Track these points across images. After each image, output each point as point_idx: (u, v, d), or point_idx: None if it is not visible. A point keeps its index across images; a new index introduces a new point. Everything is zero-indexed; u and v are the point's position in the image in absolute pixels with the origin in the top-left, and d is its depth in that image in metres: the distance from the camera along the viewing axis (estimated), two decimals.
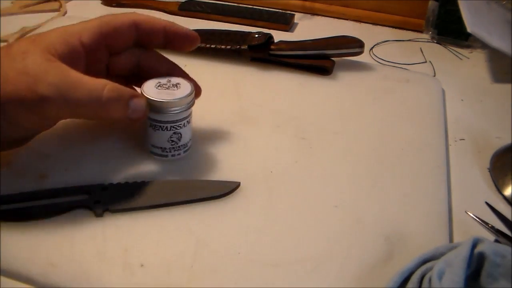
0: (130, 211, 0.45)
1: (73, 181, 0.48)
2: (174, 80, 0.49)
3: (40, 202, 0.45)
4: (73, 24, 0.46)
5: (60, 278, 0.39)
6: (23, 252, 0.41)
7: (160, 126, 0.48)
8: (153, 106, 0.46)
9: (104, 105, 0.43)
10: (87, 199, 0.45)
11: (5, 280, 0.40)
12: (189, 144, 0.52)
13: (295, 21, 0.86)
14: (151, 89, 0.47)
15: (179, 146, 0.50)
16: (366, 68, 0.70)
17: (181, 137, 0.50)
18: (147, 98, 0.46)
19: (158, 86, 0.48)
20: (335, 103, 0.62)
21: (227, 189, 0.47)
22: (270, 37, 0.69)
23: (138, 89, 0.48)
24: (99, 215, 0.44)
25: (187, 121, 0.49)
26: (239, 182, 0.48)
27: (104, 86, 0.43)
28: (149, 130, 0.49)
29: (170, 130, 0.48)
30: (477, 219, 0.44)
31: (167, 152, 0.50)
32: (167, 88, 0.47)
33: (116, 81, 0.44)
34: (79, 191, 0.46)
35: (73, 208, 0.45)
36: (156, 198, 0.46)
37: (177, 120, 0.48)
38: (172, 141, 0.49)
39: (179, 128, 0.48)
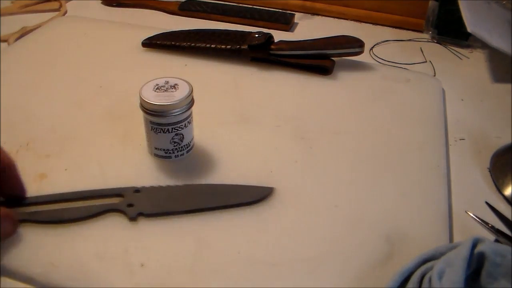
0: (162, 216, 0.44)
1: (73, 181, 0.48)
2: (172, 81, 0.49)
3: (73, 204, 0.44)
4: None
5: (61, 277, 0.39)
6: (23, 252, 0.41)
7: (162, 129, 0.48)
8: (153, 110, 0.46)
9: None
10: (120, 202, 0.45)
11: (5, 280, 0.40)
12: (191, 144, 0.52)
13: (295, 21, 0.86)
14: (149, 93, 0.47)
15: (181, 147, 0.50)
16: (366, 68, 0.70)
17: (183, 138, 0.50)
18: (147, 102, 0.46)
19: (156, 88, 0.47)
20: (335, 103, 0.62)
21: (261, 195, 0.47)
22: (270, 37, 0.69)
23: None
24: (132, 219, 0.44)
25: (188, 122, 0.49)
26: (273, 188, 0.48)
27: None
28: (151, 133, 0.49)
29: (172, 132, 0.48)
30: (477, 219, 0.44)
31: (170, 153, 0.50)
32: (165, 90, 0.47)
33: None
34: (111, 194, 0.46)
35: (107, 211, 0.44)
36: (190, 203, 0.45)
37: (178, 121, 0.48)
38: (175, 142, 0.49)
39: (180, 129, 0.48)
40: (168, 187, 0.47)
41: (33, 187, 0.47)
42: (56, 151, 0.52)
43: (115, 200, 0.45)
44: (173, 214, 0.45)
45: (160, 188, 0.47)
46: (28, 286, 0.40)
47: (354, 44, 0.68)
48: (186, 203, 0.45)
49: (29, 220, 0.43)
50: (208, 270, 0.40)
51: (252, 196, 0.46)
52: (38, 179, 0.48)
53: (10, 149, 0.52)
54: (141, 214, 0.44)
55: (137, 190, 0.46)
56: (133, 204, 0.45)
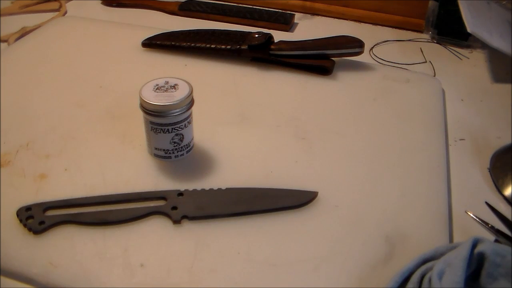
0: (206, 219, 0.45)
1: (73, 181, 0.48)
2: (172, 81, 0.49)
3: (117, 206, 0.45)
4: None
5: (61, 278, 0.39)
6: (23, 252, 0.41)
7: (162, 129, 0.48)
8: (153, 110, 0.46)
9: None
10: (164, 205, 0.45)
11: (5, 280, 0.40)
12: (191, 144, 0.52)
13: (295, 21, 0.86)
14: (149, 93, 0.47)
15: (181, 147, 0.50)
16: (366, 68, 0.70)
17: (183, 138, 0.50)
18: (147, 102, 0.46)
19: (156, 89, 0.47)
20: (335, 103, 0.62)
21: (306, 199, 0.47)
22: (270, 37, 0.69)
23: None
24: (176, 222, 0.44)
25: (188, 122, 0.49)
26: (317, 192, 0.48)
27: None
28: (151, 133, 0.49)
29: (171, 132, 0.48)
30: (477, 219, 0.44)
31: (170, 153, 0.50)
32: (165, 90, 0.47)
33: None
34: (154, 197, 0.46)
35: (150, 214, 0.44)
36: (233, 206, 0.46)
37: (178, 121, 0.48)
38: (175, 142, 0.49)
39: (180, 129, 0.48)
40: (211, 190, 0.47)
41: (33, 187, 0.47)
42: (56, 151, 0.52)
43: (159, 203, 0.45)
44: (216, 217, 0.45)
45: (203, 192, 0.47)
46: (28, 286, 0.40)
47: (354, 44, 0.68)
48: (229, 207, 0.45)
49: (73, 221, 0.43)
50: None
51: (296, 200, 0.46)
52: (38, 179, 0.48)
53: (10, 149, 0.52)
54: (185, 217, 0.44)
55: (180, 193, 0.46)
56: (177, 207, 0.45)
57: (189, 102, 0.48)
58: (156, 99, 0.46)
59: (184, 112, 0.47)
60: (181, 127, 0.48)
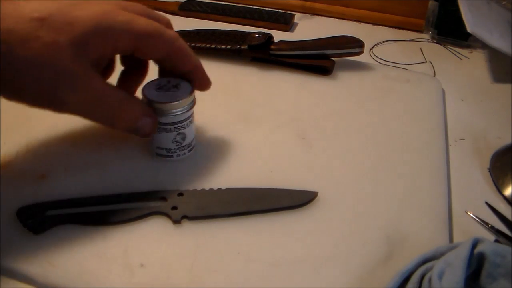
0: (206, 219, 0.44)
1: (73, 181, 0.48)
2: (174, 81, 0.49)
3: (117, 206, 0.44)
4: (108, 12, 0.41)
5: (60, 278, 0.39)
6: (23, 252, 0.41)
7: (164, 128, 0.48)
8: (155, 109, 0.47)
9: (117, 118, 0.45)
10: (164, 205, 0.45)
11: (5, 280, 0.40)
12: (193, 144, 0.52)
13: (295, 21, 0.86)
14: (151, 91, 0.47)
15: (183, 146, 0.50)
16: (366, 68, 0.70)
17: (185, 137, 0.50)
18: (149, 100, 0.46)
19: (158, 87, 0.48)
20: (335, 103, 0.62)
21: (305, 199, 0.47)
22: (270, 37, 0.69)
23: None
24: (176, 222, 0.44)
25: (190, 121, 0.49)
26: (317, 192, 0.47)
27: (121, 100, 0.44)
28: None
29: (174, 131, 0.48)
30: (477, 219, 0.44)
31: (172, 153, 0.50)
32: (167, 89, 0.47)
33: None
34: (154, 197, 0.46)
35: (150, 214, 0.44)
36: (234, 206, 0.45)
37: (180, 120, 0.48)
38: (177, 141, 0.49)
39: (182, 128, 0.49)
40: (211, 190, 0.47)
41: (33, 188, 0.47)
42: (56, 151, 0.52)
43: (159, 203, 0.45)
44: (216, 217, 0.45)
45: (203, 192, 0.47)
46: (27, 286, 0.40)
47: (354, 44, 0.68)
48: (229, 207, 0.45)
49: (74, 221, 0.43)
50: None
51: (297, 200, 0.46)
52: (38, 180, 0.48)
53: (10, 150, 0.52)
54: (185, 217, 0.44)
55: (180, 193, 0.46)
56: (177, 207, 0.45)
57: (192, 101, 0.48)
58: (159, 98, 0.46)
59: (186, 111, 0.47)
60: (183, 126, 0.48)
